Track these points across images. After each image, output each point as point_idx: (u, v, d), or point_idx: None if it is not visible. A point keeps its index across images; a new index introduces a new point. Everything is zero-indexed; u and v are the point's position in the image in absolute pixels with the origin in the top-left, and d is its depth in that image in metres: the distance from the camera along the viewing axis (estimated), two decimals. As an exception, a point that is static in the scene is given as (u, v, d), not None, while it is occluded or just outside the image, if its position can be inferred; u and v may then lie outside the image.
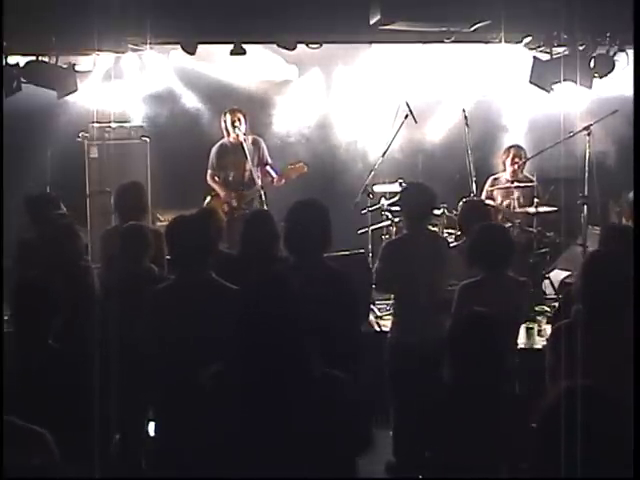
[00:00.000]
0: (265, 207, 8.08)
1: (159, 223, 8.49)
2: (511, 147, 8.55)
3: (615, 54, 7.38)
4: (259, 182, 8.30)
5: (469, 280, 5.05)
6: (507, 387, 3.53)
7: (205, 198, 8.39)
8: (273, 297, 2.83)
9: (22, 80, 7.24)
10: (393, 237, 7.58)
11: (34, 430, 2.71)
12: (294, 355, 2.78)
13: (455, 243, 6.43)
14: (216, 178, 8.47)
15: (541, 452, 2.40)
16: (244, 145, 8.30)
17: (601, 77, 7.45)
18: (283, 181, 8.37)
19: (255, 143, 8.44)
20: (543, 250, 8.16)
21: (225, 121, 8.39)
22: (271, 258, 5.03)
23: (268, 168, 8.44)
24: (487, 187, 8.45)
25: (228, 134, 8.41)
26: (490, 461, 3.34)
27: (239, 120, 8.31)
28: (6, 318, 5.12)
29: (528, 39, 7.68)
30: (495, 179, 8.50)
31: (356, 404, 2.97)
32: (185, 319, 4.21)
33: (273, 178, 8.38)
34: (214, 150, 8.48)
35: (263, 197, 8.29)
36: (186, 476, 4.08)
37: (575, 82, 7.32)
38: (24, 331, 3.88)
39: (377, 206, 8.25)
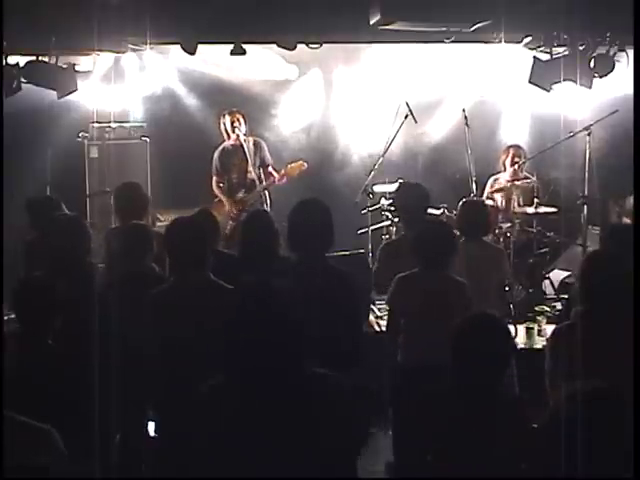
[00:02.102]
0: (268, 208, 8.11)
1: (159, 223, 8.49)
2: (510, 147, 8.55)
3: (615, 54, 7.39)
4: (263, 183, 8.30)
5: (405, 273, 5.11)
6: (506, 388, 3.51)
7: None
8: (262, 297, 2.81)
9: (22, 80, 7.24)
10: (393, 237, 7.62)
11: (40, 428, 2.71)
12: (285, 355, 2.76)
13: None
14: (221, 185, 8.45)
15: (548, 451, 2.41)
16: (244, 146, 8.29)
17: (601, 77, 7.45)
18: (285, 180, 8.35)
19: (256, 144, 8.43)
20: (543, 250, 8.17)
21: (224, 123, 8.37)
22: (271, 258, 5.03)
23: (270, 169, 8.43)
24: (488, 188, 8.45)
25: (228, 136, 8.39)
26: (490, 463, 3.33)
27: (238, 121, 8.30)
28: (6, 318, 5.10)
29: (528, 39, 7.68)
30: (495, 179, 8.50)
31: (350, 403, 2.96)
32: (184, 320, 4.21)
33: (274, 177, 8.38)
34: (216, 154, 8.46)
35: (267, 198, 8.29)
36: (186, 476, 4.09)
37: (575, 82, 7.32)
38: (24, 331, 3.88)
39: (377, 206, 8.27)
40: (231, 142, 8.40)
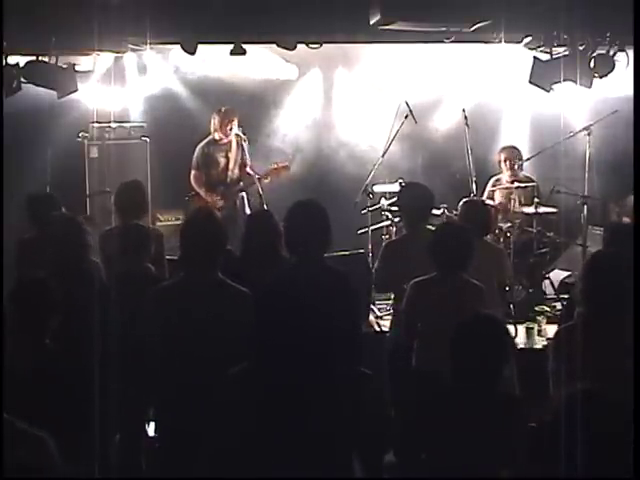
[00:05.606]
0: (248, 209, 8.11)
1: (159, 223, 8.50)
2: (504, 148, 8.53)
3: (615, 54, 7.38)
4: (243, 183, 8.24)
5: (422, 278, 5.04)
6: (505, 389, 3.53)
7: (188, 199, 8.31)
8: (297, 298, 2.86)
9: (22, 80, 7.24)
10: (393, 237, 7.63)
11: (35, 435, 2.70)
12: (318, 354, 2.80)
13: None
14: (201, 179, 8.32)
15: (548, 452, 2.41)
16: (232, 144, 8.24)
17: (601, 77, 7.45)
18: (267, 180, 8.26)
19: (238, 144, 8.32)
20: (543, 250, 8.17)
21: (219, 120, 8.28)
22: (273, 258, 5.03)
23: (248, 169, 8.30)
24: (488, 188, 8.45)
25: (216, 132, 8.31)
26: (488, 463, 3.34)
27: (230, 120, 8.25)
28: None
29: (528, 39, 7.68)
30: (496, 180, 8.50)
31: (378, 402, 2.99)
32: (192, 318, 4.20)
33: (258, 177, 8.24)
34: (200, 149, 8.35)
35: (246, 198, 8.25)
36: (186, 476, 4.09)
37: (575, 82, 7.32)
38: (23, 331, 3.88)
39: (377, 206, 8.26)
40: (216, 138, 8.30)
